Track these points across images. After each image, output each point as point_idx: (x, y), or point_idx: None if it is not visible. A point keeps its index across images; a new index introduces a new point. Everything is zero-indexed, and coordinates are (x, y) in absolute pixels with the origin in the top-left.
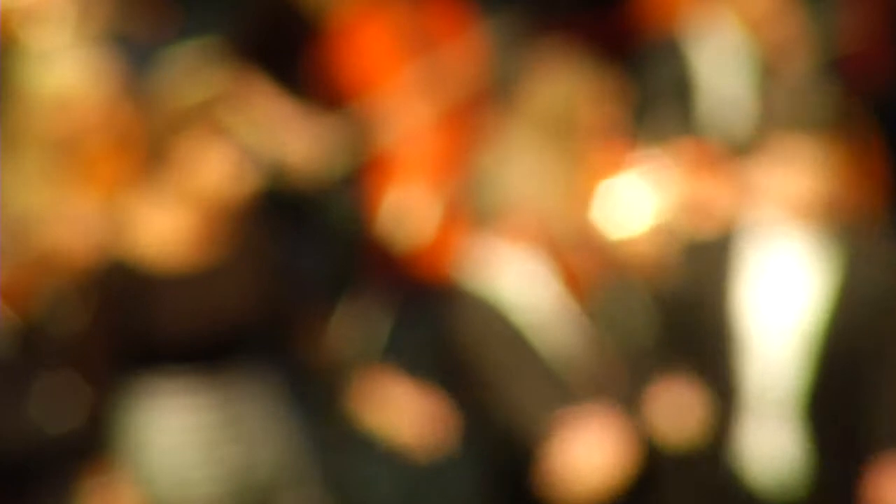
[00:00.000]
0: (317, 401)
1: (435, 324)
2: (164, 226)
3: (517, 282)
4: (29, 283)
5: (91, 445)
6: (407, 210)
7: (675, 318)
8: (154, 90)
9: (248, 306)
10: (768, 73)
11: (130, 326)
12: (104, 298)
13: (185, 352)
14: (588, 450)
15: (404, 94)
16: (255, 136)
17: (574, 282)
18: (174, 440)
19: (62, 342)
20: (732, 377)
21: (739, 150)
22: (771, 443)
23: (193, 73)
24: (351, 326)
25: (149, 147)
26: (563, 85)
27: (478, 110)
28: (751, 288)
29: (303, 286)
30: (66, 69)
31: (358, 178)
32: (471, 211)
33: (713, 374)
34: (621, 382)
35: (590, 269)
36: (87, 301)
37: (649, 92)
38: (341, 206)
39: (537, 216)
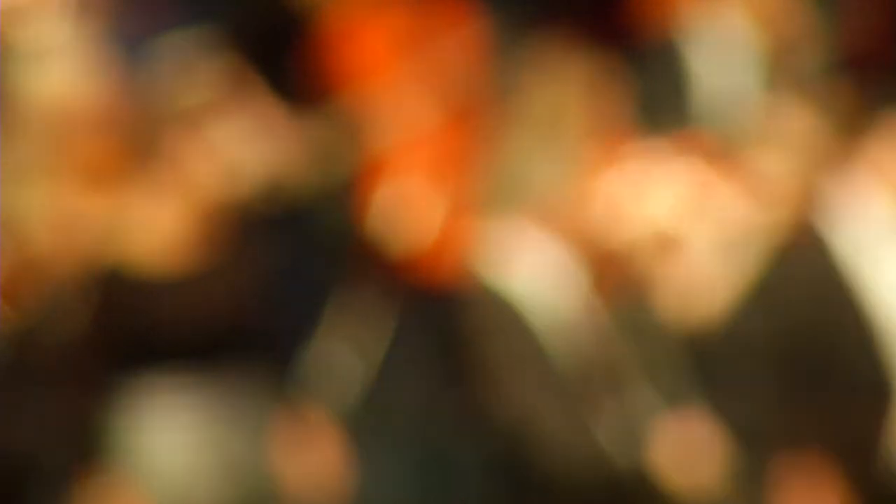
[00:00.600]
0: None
1: (440, 325)
2: (160, 227)
3: (539, 276)
4: (27, 284)
5: (89, 448)
6: (407, 211)
7: (794, 322)
8: (151, 87)
9: (242, 310)
10: (775, 66)
11: (127, 328)
12: (100, 300)
13: (183, 353)
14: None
15: (403, 91)
16: (249, 137)
17: (602, 280)
18: (173, 441)
19: (59, 343)
20: (882, 371)
21: (741, 143)
22: None
23: (189, 68)
24: (346, 332)
25: (145, 147)
26: (564, 80)
27: (479, 107)
28: (881, 275)
29: (297, 291)
30: (63, 69)
31: (355, 179)
32: (478, 209)
33: (858, 371)
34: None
35: (610, 268)
36: (84, 302)
37: (651, 85)
38: (338, 209)
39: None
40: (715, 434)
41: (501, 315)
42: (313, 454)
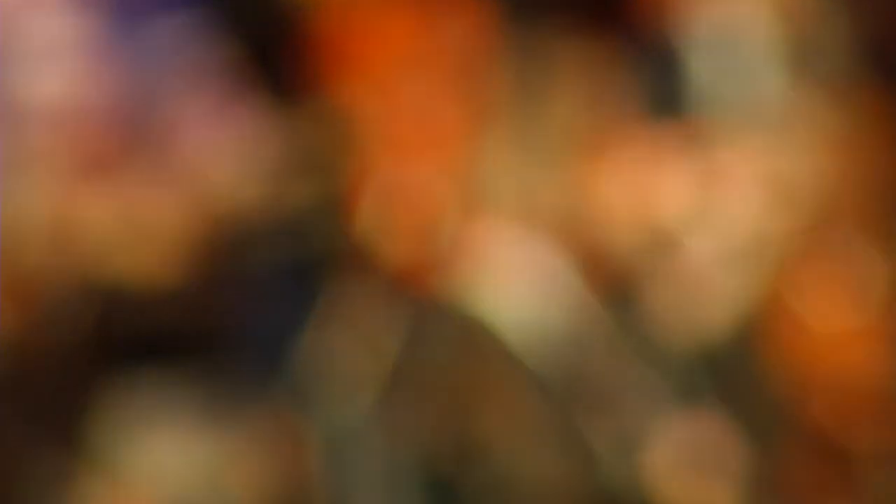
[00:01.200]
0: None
1: (439, 336)
2: (158, 229)
3: (535, 282)
4: (26, 287)
5: (86, 450)
6: (405, 214)
7: None
8: (148, 83)
9: (237, 316)
10: (794, 58)
11: (124, 332)
12: (98, 302)
13: (179, 357)
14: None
15: (402, 89)
16: (245, 136)
17: (599, 284)
18: (169, 444)
19: (58, 347)
20: None
21: (754, 139)
22: None
23: (185, 64)
24: (341, 341)
25: (142, 145)
26: (564, 73)
27: (481, 104)
28: None
29: (292, 298)
30: (61, 66)
31: (351, 180)
32: (477, 211)
33: None
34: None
35: (607, 272)
36: (81, 305)
37: (657, 79)
38: (333, 212)
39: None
40: (722, 448)
41: (495, 325)
42: (296, 464)
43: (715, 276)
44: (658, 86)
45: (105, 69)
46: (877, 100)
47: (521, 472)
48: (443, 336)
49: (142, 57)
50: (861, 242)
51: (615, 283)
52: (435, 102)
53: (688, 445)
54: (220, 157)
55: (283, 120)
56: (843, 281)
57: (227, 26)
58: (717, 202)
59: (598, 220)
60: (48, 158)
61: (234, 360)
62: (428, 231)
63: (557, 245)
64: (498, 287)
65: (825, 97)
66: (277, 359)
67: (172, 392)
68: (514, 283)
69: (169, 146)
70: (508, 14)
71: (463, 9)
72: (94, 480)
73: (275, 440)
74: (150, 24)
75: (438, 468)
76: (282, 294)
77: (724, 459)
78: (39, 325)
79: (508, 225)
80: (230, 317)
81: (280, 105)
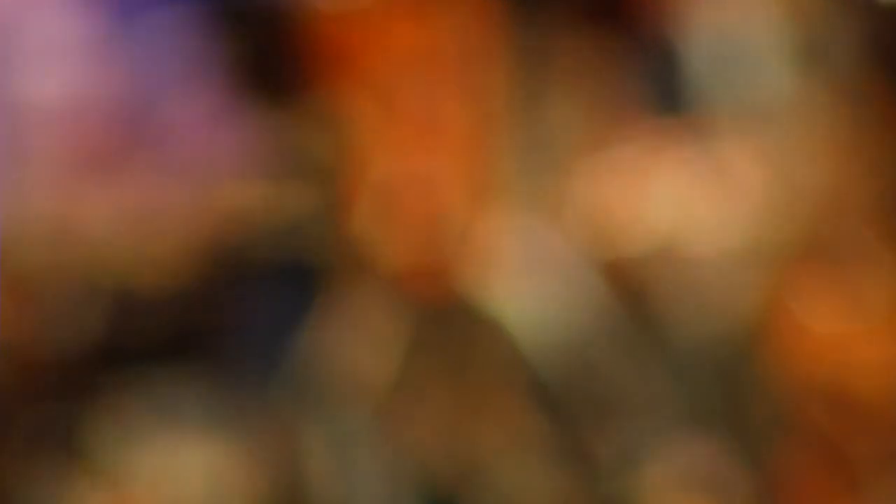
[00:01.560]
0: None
1: (444, 341)
2: (161, 231)
3: (543, 286)
4: (27, 289)
5: (84, 452)
6: (406, 217)
7: None
8: (148, 79)
9: (235, 320)
10: (802, 55)
11: (124, 334)
12: (100, 305)
13: (178, 360)
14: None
15: (403, 87)
16: (244, 140)
17: (609, 290)
18: (171, 444)
19: (58, 349)
20: None
21: (762, 139)
22: None
23: (182, 65)
24: (341, 347)
25: (142, 145)
26: (567, 70)
27: (485, 102)
28: None
29: (292, 301)
30: (62, 69)
31: (349, 182)
32: (481, 212)
33: None
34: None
35: (615, 278)
36: (82, 308)
37: (663, 76)
38: (332, 215)
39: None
40: (725, 465)
41: (500, 327)
42: (297, 468)
43: (717, 277)
44: (661, 85)
45: (105, 69)
46: (882, 99)
47: (522, 484)
48: (447, 338)
49: (142, 57)
50: (866, 243)
51: (617, 283)
52: (437, 102)
53: (691, 462)
54: (221, 157)
55: (283, 120)
56: (848, 282)
57: (226, 27)
58: (720, 202)
59: (599, 219)
60: (49, 158)
61: (235, 363)
62: (433, 232)
63: (561, 245)
64: (503, 288)
65: (830, 97)
66: (279, 362)
67: (174, 394)
68: (518, 284)
69: (169, 146)
70: (509, 13)
71: (463, 8)
72: (95, 482)
73: (276, 444)
74: (150, 24)
75: (440, 476)
76: (284, 296)
77: (727, 477)
78: (40, 324)
79: (513, 225)
80: (231, 319)
81: (280, 105)
